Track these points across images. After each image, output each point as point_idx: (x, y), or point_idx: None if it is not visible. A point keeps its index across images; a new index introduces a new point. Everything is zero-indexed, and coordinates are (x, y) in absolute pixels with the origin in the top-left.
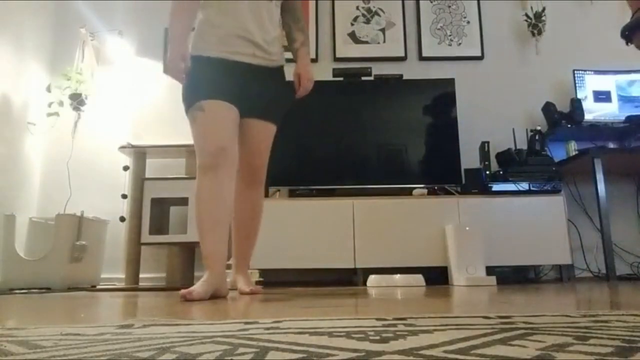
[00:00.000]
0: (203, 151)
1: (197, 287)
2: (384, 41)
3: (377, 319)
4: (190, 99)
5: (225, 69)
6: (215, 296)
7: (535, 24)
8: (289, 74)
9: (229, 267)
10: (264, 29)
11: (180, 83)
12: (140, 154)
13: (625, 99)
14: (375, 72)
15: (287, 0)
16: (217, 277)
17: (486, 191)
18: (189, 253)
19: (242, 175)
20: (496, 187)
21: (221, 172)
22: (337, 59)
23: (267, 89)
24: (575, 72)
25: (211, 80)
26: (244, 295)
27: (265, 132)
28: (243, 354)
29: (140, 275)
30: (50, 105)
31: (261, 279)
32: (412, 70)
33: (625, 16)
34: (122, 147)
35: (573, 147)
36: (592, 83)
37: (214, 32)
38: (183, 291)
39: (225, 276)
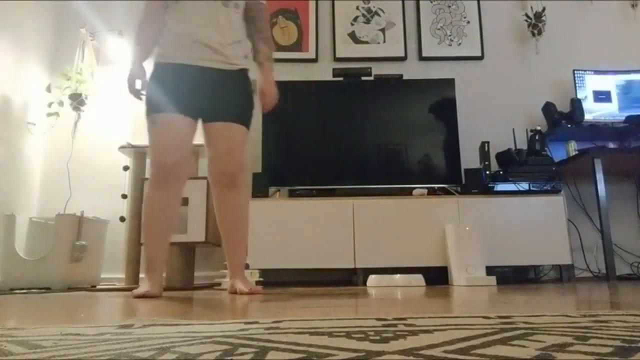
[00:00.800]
0: (156, 165)
1: (150, 287)
2: (384, 41)
3: (377, 319)
4: (147, 109)
5: (184, 76)
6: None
7: (535, 24)
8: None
9: (225, 266)
10: (222, 34)
11: (138, 100)
12: (140, 154)
13: (625, 99)
14: (375, 72)
15: (249, 10)
16: (159, 279)
17: (486, 191)
18: (189, 253)
19: (220, 181)
20: (496, 187)
21: (171, 186)
22: (337, 59)
23: (228, 92)
24: (575, 72)
25: (167, 92)
26: (243, 296)
27: (232, 133)
28: (243, 354)
29: (141, 275)
30: (50, 105)
31: (261, 279)
32: (412, 70)
33: (626, 16)
34: (122, 147)
35: (573, 147)
36: (592, 83)
37: (173, 39)
38: (138, 292)
39: (162, 278)
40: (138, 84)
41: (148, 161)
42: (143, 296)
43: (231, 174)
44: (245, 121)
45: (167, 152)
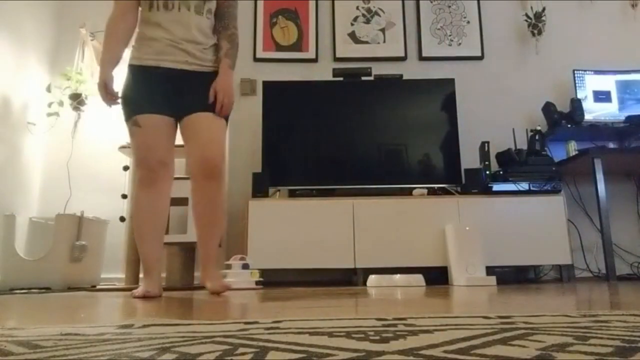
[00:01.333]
0: (143, 165)
1: (149, 287)
2: (384, 41)
3: (377, 319)
4: (127, 112)
5: (160, 77)
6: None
7: (535, 24)
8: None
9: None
10: (197, 40)
11: (108, 106)
12: None
13: (625, 99)
14: (375, 72)
15: (219, 7)
16: (158, 279)
17: (486, 191)
18: (189, 253)
19: (201, 172)
20: (496, 187)
21: (159, 185)
22: (337, 59)
23: (203, 88)
24: (575, 72)
25: (146, 93)
26: (236, 295)
27: (212, 123)
28: (243, 354)
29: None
30: (50, 105)
31: (261, 279)
32: (412, 70)
33: (626, 16)
34: (122, 147)
35: (573, 147)
36: (592, 83)
37: (149, 44)
38: (138, 293)
39: (160, 278)
40: (105, 92)
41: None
42: (143, 296)
43: (213, 163)
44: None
45: (153, 152)
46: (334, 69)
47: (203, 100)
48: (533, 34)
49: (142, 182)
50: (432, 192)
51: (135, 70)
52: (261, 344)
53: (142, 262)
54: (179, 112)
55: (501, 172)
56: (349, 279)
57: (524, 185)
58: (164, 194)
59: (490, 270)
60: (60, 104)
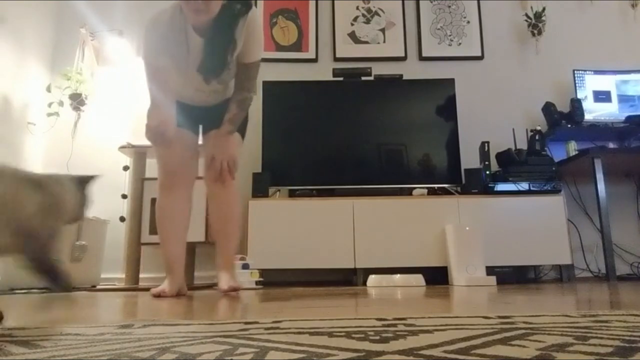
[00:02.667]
0: (163, 172)
1: (166, 287)
2: (384, 41)
3: (377, 319)
4: None
5: (185, 106)
6: (178, 294)
7: (535, 24)
8: None
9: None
10: (210, 99)
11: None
12: (140, 154)
13: (625, 99)
14: (375, 72)
15: (239, 67)
16: (178, 279)
17: (486, 191)
18: (189, 253)
19: (214, 180)
20: (496, 187)
21: (177, 189)
22: (337, 59)
23: (223, 112)
24: (575, 72)
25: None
26: (242, 294)
27: (222, 136)
28: (243, 354)
29: (140, 275)
30: (50, 105)
31: (261, 279)
32: (412, 70)
33: (626, 16)
34: (122, 147)
35: (573, 147)
36: (592, 83)
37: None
38: (155, 290)
39: (184, 278)
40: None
41: (148, 161)
42: (158, 295)
43: (225, 173)
44: (240, 130)
45: (173, 162)
46: (334, 69)
47: (220, 119)
48: (533, 34)
49: (163, 187)
50: (432, 192)
51: None
52: (261, 344)
53: (164, 263)
54: (198, 129)
55: (501, 172)
56: (349, 279)
57: (524, 185)
58: (184, 198)
59: (490, 270)
60: (60, 104)
